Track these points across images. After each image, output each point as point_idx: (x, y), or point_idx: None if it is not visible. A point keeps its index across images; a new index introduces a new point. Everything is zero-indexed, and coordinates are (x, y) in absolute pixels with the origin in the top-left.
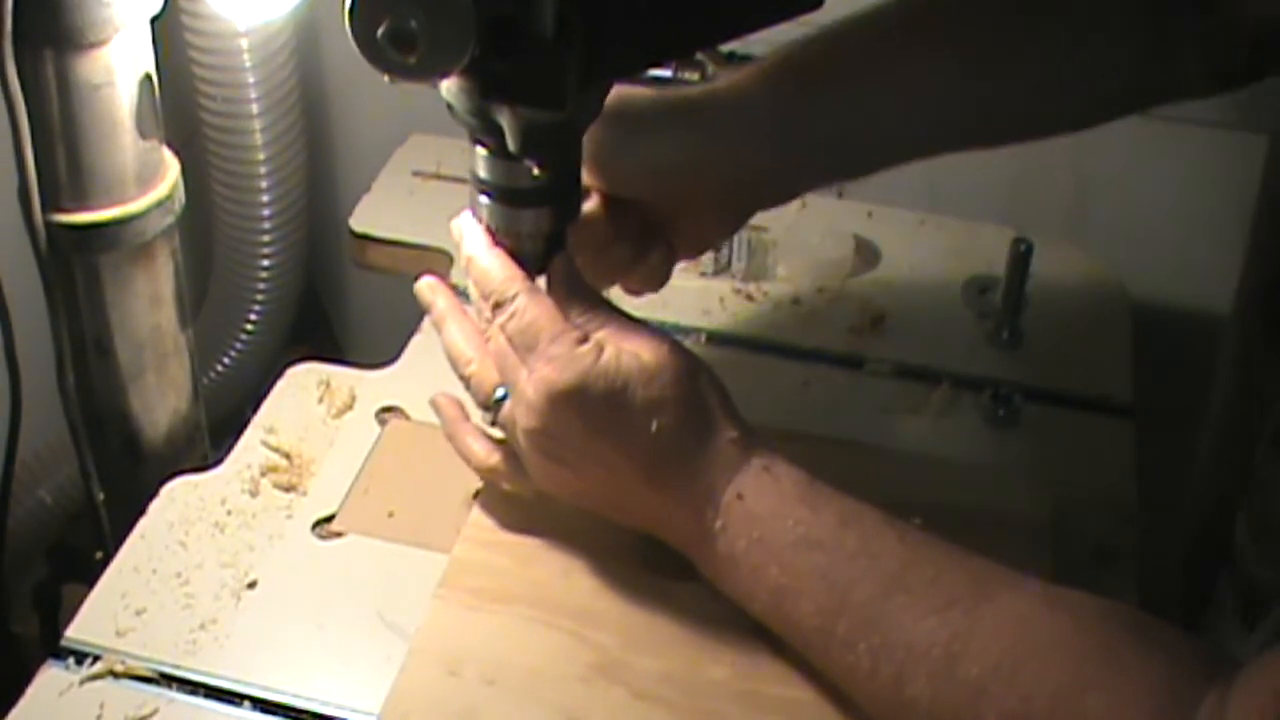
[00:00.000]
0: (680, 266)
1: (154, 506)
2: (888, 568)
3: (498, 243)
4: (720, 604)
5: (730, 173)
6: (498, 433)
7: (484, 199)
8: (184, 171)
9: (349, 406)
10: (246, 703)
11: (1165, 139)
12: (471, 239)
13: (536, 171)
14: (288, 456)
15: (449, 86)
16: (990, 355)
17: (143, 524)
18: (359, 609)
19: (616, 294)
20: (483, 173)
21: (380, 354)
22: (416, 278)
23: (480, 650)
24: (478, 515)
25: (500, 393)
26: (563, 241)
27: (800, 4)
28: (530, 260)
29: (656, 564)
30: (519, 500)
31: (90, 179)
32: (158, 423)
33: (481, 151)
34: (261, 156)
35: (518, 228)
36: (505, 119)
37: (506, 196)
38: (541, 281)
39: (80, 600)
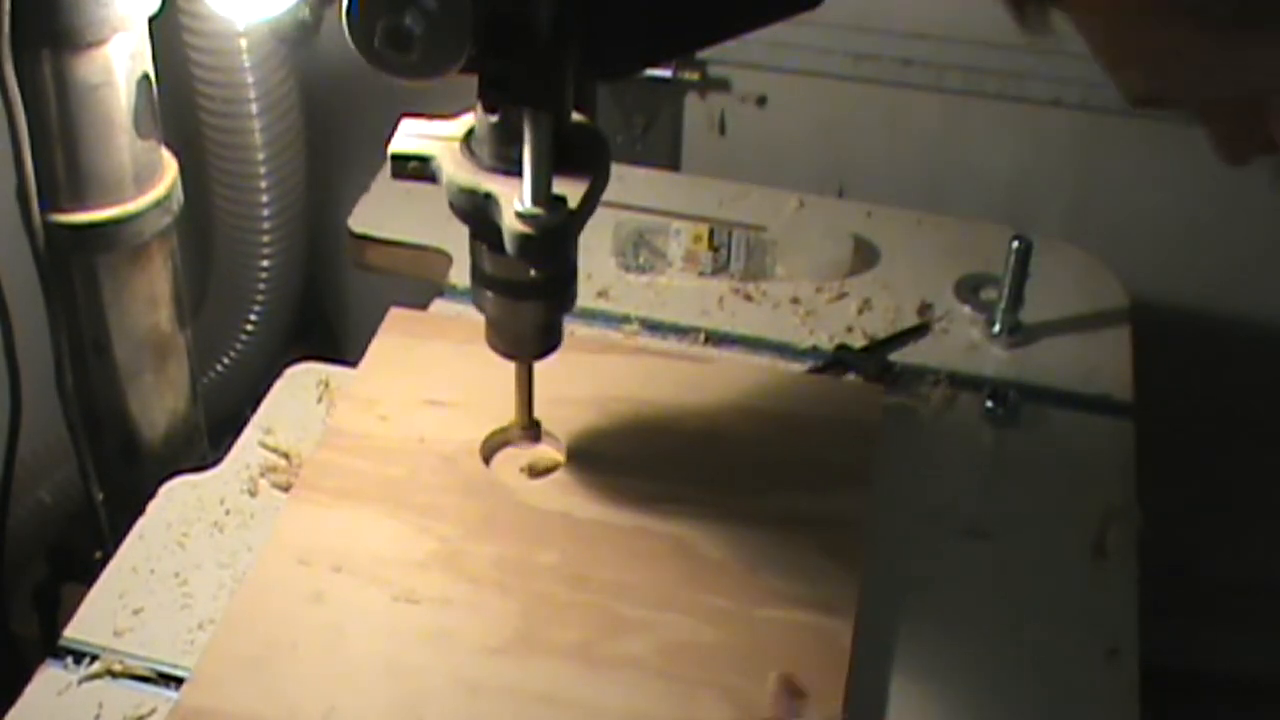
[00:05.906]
0: (679, 267)
1: (153, 506)
2: None
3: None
4: (555, 500)
5: None
6: None
7: (486, 292)
8: (184, 171)
9: None
10: None
11: (1165, 139)
12: None
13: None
14: (286, 456)
15: (448, 186)
16: (989, 354)
17: (141, 524)
18: None
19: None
20: (486, 266)
21: None
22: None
23: (330, 542)
24: (336, 425)
25: None
26: (559, 330)
27: (799, 3)
28: (528, 347)
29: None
30: (375, 409)
31: (88, 179)
32: (156, 423)
33: (483, 246)
34: (261, 156)
35: (517, 318)
36: (501, 222)
37: (505, 290)
38: (537, 367)
39: (79, 600)
